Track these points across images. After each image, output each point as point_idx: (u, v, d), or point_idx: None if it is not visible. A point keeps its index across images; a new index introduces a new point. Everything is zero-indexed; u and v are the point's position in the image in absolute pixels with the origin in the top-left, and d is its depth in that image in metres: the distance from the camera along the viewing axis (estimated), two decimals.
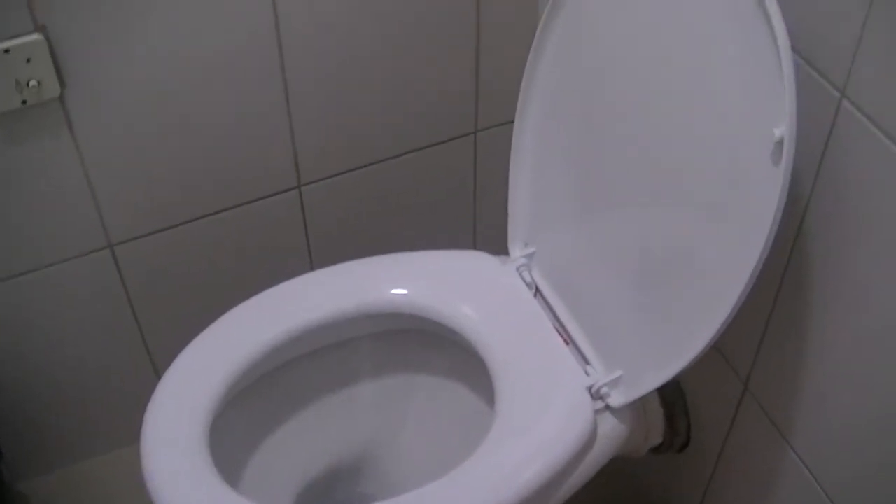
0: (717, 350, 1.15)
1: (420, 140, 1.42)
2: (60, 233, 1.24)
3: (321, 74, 1.28)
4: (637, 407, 1.12)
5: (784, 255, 0.99)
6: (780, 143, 0.81)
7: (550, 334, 1.13)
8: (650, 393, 1.04)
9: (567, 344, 1.12)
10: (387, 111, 1.36)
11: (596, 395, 1.07)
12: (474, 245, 1.60)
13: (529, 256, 1.19)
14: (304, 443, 1.21)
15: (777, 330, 1.04)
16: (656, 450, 1.24)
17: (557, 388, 1.08)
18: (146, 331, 1.39)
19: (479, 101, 1.41)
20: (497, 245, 1.22)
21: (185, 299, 1.39)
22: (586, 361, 1.10)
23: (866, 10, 0.81)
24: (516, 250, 1.20)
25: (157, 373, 1.42)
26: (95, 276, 1.30)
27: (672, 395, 1.23)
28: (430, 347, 1.22)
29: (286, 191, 1.36)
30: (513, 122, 1.16)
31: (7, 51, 1.06)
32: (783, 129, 0.80)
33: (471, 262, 1.21)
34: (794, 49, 0.89)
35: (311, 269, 1.45)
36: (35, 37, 1.07)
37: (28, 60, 1.07)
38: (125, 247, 1.29)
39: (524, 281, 1.18)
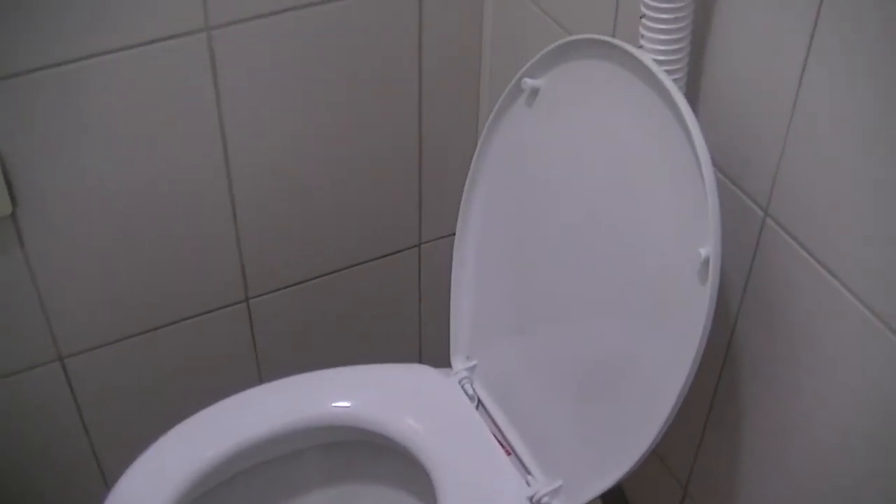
0: (657, 456, 1.16)
1: (365, 254, 1.44)
2: (10, 346, 1.24)
3: (268, 191, 1.29)
4: None
5: (717, 365, 1.01)
6: (706, 262, 0.83)
7: (492, 445, 1.14)
8: (592, 500, 1.05)
9: (509, 454, 1.13)
10: (333, 227, 1.38)
11: None
12: (420, 356, 1.61)
13: (471, 369, 1.21)
14: None
15: (713, 435, 1.06)
16: None
17: (499, 499, 1.08)
18: (96, 442, 1.38)
19: (422, 215, 1.44)
20: (444, 356, 1.23)
21: (134, 411, 1.38)
22: (528, 471, 1.11)
23: (786, 128, 0.85)
24: (458, 363, 1.22)
25: (107, 484, 1.40)
26: (46, 387, 1.29)
27: (614, 502, 1.23)
28: (376, 458, 1.22)
29: (234, 304, 1.37)
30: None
31: None
32: (708, 249, 0.83)
33: (413, 376, 1.22)
34: (719, 169, 0.93)
35: (260, 380, 1.45)
36: None
37: None
38: (75, 359, 1.29)
39: (466, 393, 1.19)
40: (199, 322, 1.36)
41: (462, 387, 1.20)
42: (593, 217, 0.99)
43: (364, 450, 1.21)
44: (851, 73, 0.77)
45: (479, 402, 1.19)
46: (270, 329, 1.43)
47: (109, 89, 1.12)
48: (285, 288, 1.40)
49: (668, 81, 0.85)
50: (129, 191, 1.20)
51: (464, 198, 1.15)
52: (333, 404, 1.17)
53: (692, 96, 0.95)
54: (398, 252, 1.46)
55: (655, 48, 0.88)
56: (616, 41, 0.90)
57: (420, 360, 1.59)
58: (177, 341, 1.36)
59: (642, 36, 0.88)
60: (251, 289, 1.37)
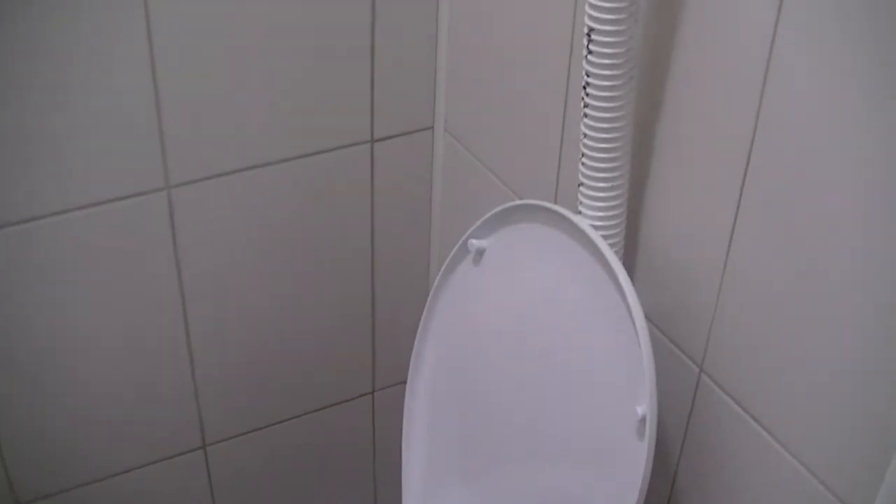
0: None
1: (320, 401, 1.44)
2: None
3: (226, 341, 1.31)
4: None
5: None
6: (643, 420, 0.85)
7: None
8: None
9: None
10: (289, 375, 1.39)
11: None
12: (375, 503, 1.61)
13: None
14: None
15: None
16: None
17: None
18: None
19: (375, 364, 1.45)
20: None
21: None
22: None
23: (718, 287, 0.88)
24: None
25: None
26: None
27: None
28: None
29: (191, 451, 1.37)
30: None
31: None
32: (645, 407, 0.85)
33: None
34: (656, 326, 0.95)
35: None
36: None
37: None
38: None
39: None
40: (156, 469, 1.35)
41: None
42: (538, 371, 1.01)
43: None
44: (776, 232, 0.81)
45: None
46: (227, 477, 1.42)
47: (69, 246, 1.14)
48: (243, 435, 1.40)
49: (604, 246, 0.89)
50: (85, 339, 1.21)
51: (414, 351, 1.16)
52: None
53: (630, 256, 0.98)
54: (352, 399, 1.47)
55: (593, 214, 0.91)
56: (555, 207, 0.94)
57: None
58: (133, 490, 1.34)
59: (580, 202, 0.92)
60: (208, 436, 1.36)
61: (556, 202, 1.07)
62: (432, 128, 1.33)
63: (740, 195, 0.83)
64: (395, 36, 1.22)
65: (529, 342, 1.01)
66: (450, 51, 1.25)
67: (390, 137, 1.30)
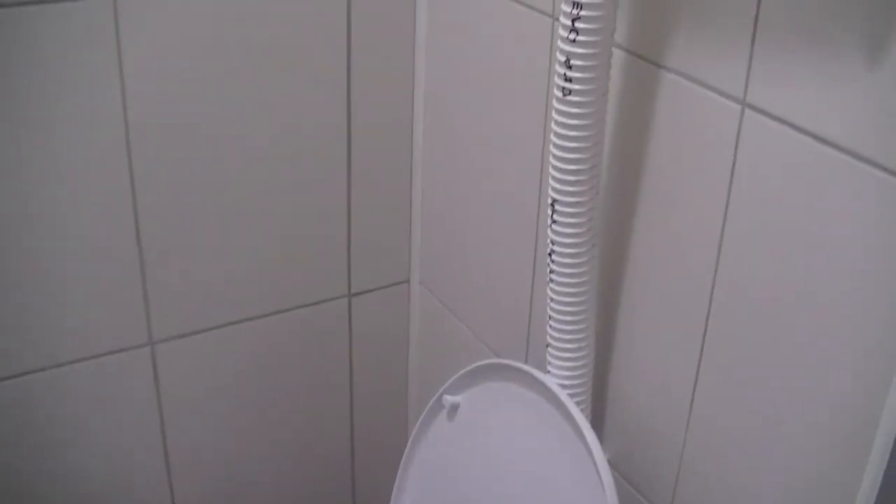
0: None
1: None
2: None
3: (208, 490, 1.32)
4: None
5: None
6: None
7: None
8: None
9: None
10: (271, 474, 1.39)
11: None
12: None
13: None
14: None
15: None
16: None
17: None
18: None
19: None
20: None
21: None
22: None
23: (682, 439, 0.91)
24: None
25: None
26: None
27: None
28: None
29: None
30: None
31: None
32: None
33: None
34: (623, 476, 0.98)
35: None
36: None
37: None
38: None
39: None
40: None
41: None
42: None
43: None
44: (738, 381, 0.84)
45: None
46: None
47: (59, 398, 1.16)
48: None
49: (571, 405, 0.91)
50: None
51: (392, 499, 1.18)
52: None
53: (598, 407, 1.01)
54: None
55: (560, 374, 0.94)
56: (525, 367, 0.97)
57: None
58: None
59: (549, 362, 0.95)
60: None
61: (527, 358, 1.11)
62: (408, 281, 1.37)
63: (702, 347, 0.87)
64: (370, 196, 1.27)
65: (502, 492, 1.03)
66: (423, 210, 1.30)
67: (367, 292, 1.34)
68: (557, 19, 0.80)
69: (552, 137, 0.84)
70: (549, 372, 0.96)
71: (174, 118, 1.11)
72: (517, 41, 1.03)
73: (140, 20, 1.04)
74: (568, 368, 0.94)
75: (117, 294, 1.15)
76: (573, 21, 0.78)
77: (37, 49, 1.01)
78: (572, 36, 0.79)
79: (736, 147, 0.79)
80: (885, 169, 0.68)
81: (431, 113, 1.24)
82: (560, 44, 0.80)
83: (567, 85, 0.81)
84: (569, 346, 0.93)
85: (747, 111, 0.78)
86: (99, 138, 1.07)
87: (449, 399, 1.07)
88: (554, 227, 0.88)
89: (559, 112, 0.82)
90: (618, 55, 0.88)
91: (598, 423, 1.01)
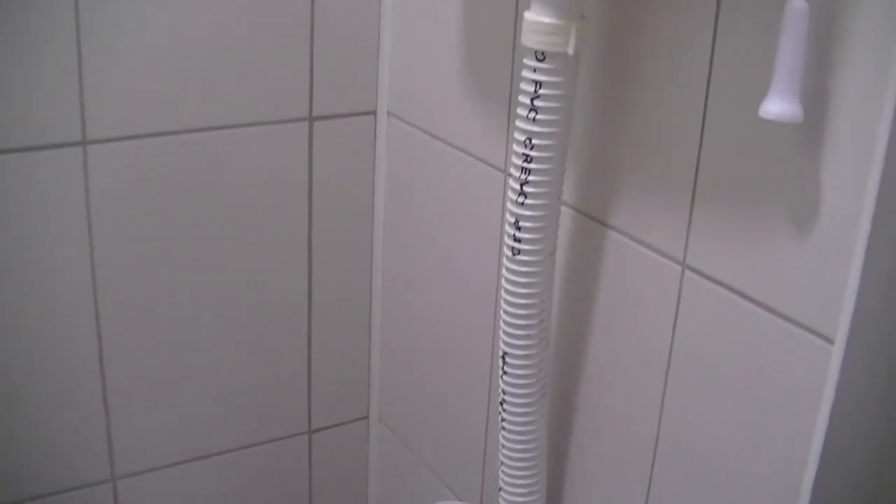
0: None
1: None
2: None
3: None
4: None
5: None
6: None
7: None
8: None
9: None
10: None
11: None
12: None
13: None
14: None
15: None
16: None
17: None
18: None
19: None
20: None
21: None
22: None
23: None
24: None
25: None
26: None
27: None
28: None
29: None
30: None
31: None
32: None
33: None
34: None
35: None
36: None
37: None
38: None
39: None
40: None
41: None
42: None
43: None
44: None
45: None
46: None
47: None
48: None
49: None
50: None
51: None
52: None
53: None
54: None
55: None
56: None
57: None
58: None
59: None
60: None
61: (482, 499, 1.12)
62: (367, 418, 1.38)
63: (648, 492, 0.88)
64: (331, 335, 1.30)
65: None
66: (383, 350, 1.32)
67: (327, 428, 1.35)
68: (510, 174, 0.83)
69: (503, 293, 0.87)
70: None
71: (141, 280, 1.14)
72: (471, 194, 1.07)
73: (107, 167, 1.08)
74: None
75: (79, 428, 1.16)
76: (522, 185, 0.82)
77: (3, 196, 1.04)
78: (521, 199, 0.82)
79: (677, 305, 0.83)
80: (810, 330, 0.71)
81: (389, 260, 1.27)
82: (509, 206, 0.84)
83: (516, 245, 0.84)
84: (520, 490, 0.94)
85: (687, 272, 0.81)
86: (65, 287, 1.10)
87: None
88: (505, 377, 0.90)
89: (509, 270, 0.85)
90: (566, 212, 0.92)
91: None
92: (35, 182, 1.04)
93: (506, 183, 1.00)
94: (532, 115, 0.80)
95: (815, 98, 0.67)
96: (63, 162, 1.05)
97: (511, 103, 0.98)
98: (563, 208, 0.91)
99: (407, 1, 1.15)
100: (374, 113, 1.22)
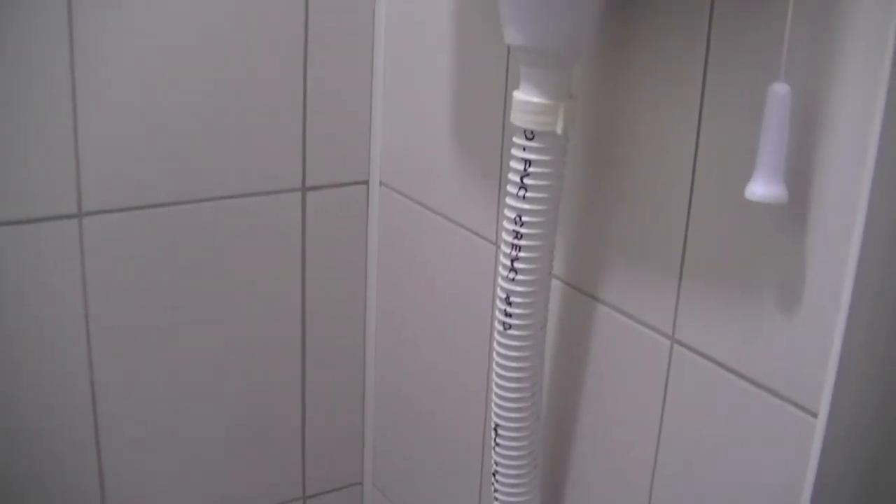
0: None
1: None
2: None
3: None
4: None
5: None
6: None
7: None
8: None
9: None
10: None
11: None
12: None
13: None
14: None
15: None
16: None
17: None
18: None
19: None
20: None
21: None
22: None
23: None
24: None
25: None
26: None
27: None
28: None
29: None
30: None
31: None
32: None
33: None
34: None
35: None
36: None
37: None
38: None
39: None
40: None
41: None
42: None
43: None
44: None
45: None
46: None
47: None
48: None
49: None
50: None
51: None
52: None
53: None
54: None
55: None
56: None
57: None
58: None
59: None
60: None
61: None
62: (362, 483, 1.37)
63: None
64: (323, 399, 1.30)
65: None
66: (377, 415, 1.32)
67: (321, 494, 1.34)
68: (500, 247, 0.84)
69: (494, 367, 0.88)
70: None
71: (137, 350, 1.15)
72: (462, 265, 1.08)
73: (103, 238, 1.09)
74: None
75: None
76: (512, 261, 0.83)
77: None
78: (511, 275, 0.83)
79: (667, 379, 0.83)
80: (794, 403, 0.72)
81: (383, 329, 1.28)
82: (500, 281, 0.84)
83: (507, 320, 0.85)
84: None
85: (676, 346, 0.82)
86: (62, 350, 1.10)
87: None
88: (497, 449, 0.90)
89: (500, 345, 0.86)
90: (556, 285, 0.93)
91: None
92: (31, 254, 1.05)
93: (497, 254, 1.01)
94: (522, 192, 0.81)
95: (799, 177, 0.68)
96: (59, 234, 1.06)
97: (502, 176, 0.99)
98: (554, 281, 0.92)
99: (398, 73, 1.16)
100: (366, 183, 1.23)
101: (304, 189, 1.19)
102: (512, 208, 0.82)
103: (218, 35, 1.09)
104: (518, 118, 0.80)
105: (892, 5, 0.61)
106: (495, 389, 0.88)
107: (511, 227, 0.82)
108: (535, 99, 0.79)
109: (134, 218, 1.10)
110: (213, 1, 1.08)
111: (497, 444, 0.90)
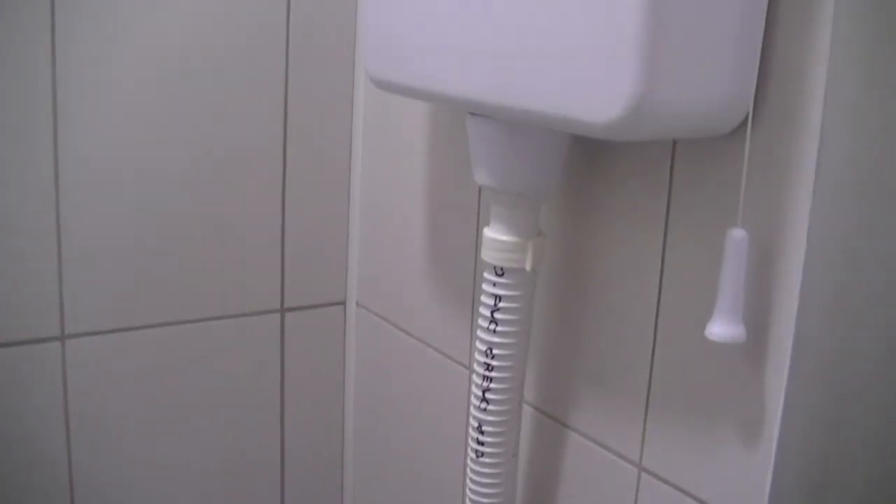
0: None
1: None
2: None
3: None
4: None
5: None
6: None
7: None
8: None
9: None
10: None
11: None
12: None
13: None
14: None
15: None
16: None
17: None
18: None
19: None
20: None
21: None
22: None
23: None
24: None
25: None
26: None
27: None
28: None
29: None
30: None
31: None
32: None
33: None
34: None
35: None
36: None
37: None
38: None
39: None
40: None
41: None
42: None
43: None
44: None
45: None
46: None
47: None
48: None
49: None
50: None
51: None
52: None
53: None
54: None
55: None
56: None
57: None
58: None
59: None
60: None
61: None
62: None
63: None
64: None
65: None
66: None
67: None
68: (474, 371, 0.86)
69: (468, 492, 0.89)
70: None
71: (119, 472, 1.15)
72: (436, 387, 1.10)
73: (84, 360, 1.10)
74: None
75: None
76: (484, 392, 0.85)
77: None
78: (483, 405, 0.85)
79: None
80: None
81: (360, 451, 1.28)
82: (473, 410, 0.86)
83: (479, 448, 0.86)
84: None
85: (643, 474, 0.83)
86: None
87: None
88: None
89: (473, 471, 0.87)
90: (528, 411, 0.94)
91: None
92: (13, 376, 1.06)
93: (470, 379, 1.03)
94: (493, 326, 0.83)
95: (757, 316, 0.71)
96: (41, 356, 1.07)
97: (474, 303, 1.01)
98: (525, 407, 0.93)
99: (374, 201, 1.19)
100: (343, 303, 1.25)
101: (283, 310, 1.21)
102: (483, 341, 0.84)
103: (198, 159, 1.12)
104: (488, 255, 0.82)
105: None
106: None
107: (482, 359, 0.84)
108: (504, 237, 0.81)
109: (115, 340, 1.11)
110: (193, 130, 1.11)
111: None
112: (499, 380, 0.84)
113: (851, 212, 0.64)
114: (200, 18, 1.08)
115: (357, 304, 1.24)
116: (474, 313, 1.01)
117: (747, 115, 0.68)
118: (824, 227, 0.66)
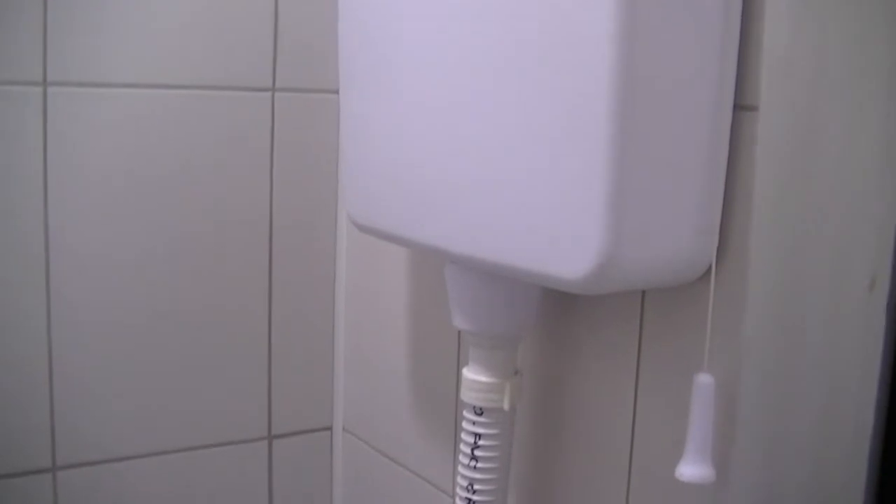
0: None
1: None
2: None
3: None
4: None
5: None
6: None
7: None
8: None
9: None
10: None
11: None
12: None
13: None
14: None
15: None
16: None
17: None
18: None
19: None
20: None
21: None
22: None
23: None
24: None
25: None
26: None
27: None
28: None
29: None
30: None
31: None
32: None
33: None
34: None
35: None
36: None
37: None
38: None
39: None
40: None
41: None
42: None
43: None
44: None
45: None
46: None
47: None
48: None
49: None
50: None
51: None
52: None
53: None
54: None
55: None
56: None
57: None
58: None
59: None
60: None
61: None
62: None
63: None
64: None
65: None
66: None
67: None
68: (457, 496, 0.88)
69: None
70: None
71: None
72: None
73: (76, 492, 1.10)
74: None
75: None
76: None
77: None
78: None
79: None
80: None
81: None
82: None
83: None
84: None
85: None
86: None
87: None
88: None
89: None
90: None
91: None
92: None
93: None
94: (473, 463, 0.85)
95: (723, 457, 0.73)
96: (33, 487, 1.08)
97: (456, 437, 1.03)
98: None
99: (358, 343, 1.22)
100: (330, 429, 1.27)
101: (271, 437, 1.22)
102: (464, 477, 0.85)
103: (185, 289, 1.14)
104: (467, 395, 0.84)
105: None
106: None
107: (464, 494, 0.86)
108: (483, 378, 0.84)
109: (105, 471, 1.12)
110: (182, 261, 1.14)
111: None
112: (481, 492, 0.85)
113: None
114: (187, 157, 1.12)
115: (343, 429, 1.26)
116: (456, 445, 1.02)
117: (710, 266, 0.71)
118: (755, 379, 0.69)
